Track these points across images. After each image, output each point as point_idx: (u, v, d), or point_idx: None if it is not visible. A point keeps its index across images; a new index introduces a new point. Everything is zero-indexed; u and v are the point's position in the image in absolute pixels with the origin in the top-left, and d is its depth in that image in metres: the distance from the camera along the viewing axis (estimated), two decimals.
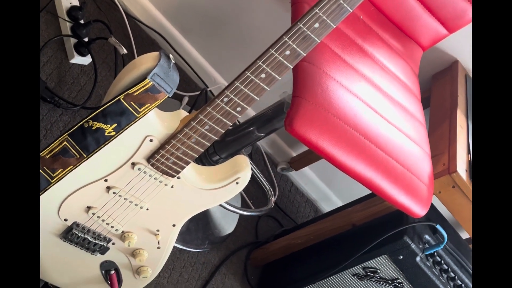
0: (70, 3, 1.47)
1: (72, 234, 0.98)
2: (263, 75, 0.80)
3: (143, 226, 1.00)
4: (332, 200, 2.01)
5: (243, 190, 1.00)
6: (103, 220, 0.97)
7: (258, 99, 0.83)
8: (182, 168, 0.90)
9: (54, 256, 1.03)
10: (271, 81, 0.81)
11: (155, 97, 0.82)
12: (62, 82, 1.40)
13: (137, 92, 0.82)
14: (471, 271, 1.40)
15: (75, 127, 0.84)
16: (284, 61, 0.79)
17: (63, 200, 0.93)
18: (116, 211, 0.96)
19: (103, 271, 1.06)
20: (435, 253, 1.36)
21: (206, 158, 1.42)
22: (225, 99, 0.82)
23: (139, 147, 0.88)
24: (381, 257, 1.37)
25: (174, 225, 1.01)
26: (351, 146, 1.06)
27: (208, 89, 1.75)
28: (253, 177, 1.68)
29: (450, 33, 1.48)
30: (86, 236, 0.99)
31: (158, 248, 1.04)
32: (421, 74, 1.56)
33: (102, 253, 1.03)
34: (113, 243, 1.02)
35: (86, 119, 0.84)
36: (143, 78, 0.81)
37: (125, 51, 1.37)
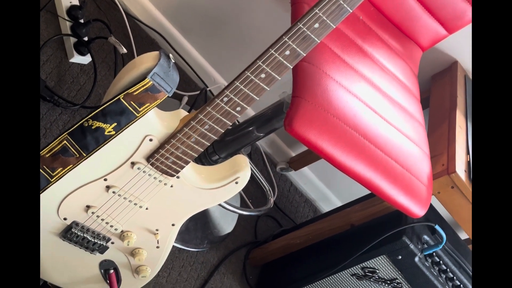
0: (70, 2, 1.47)
1: (71, 233, 0.98)
2: (263, 75, 0.80)
3: (142, 226, 1.00)
4: (331, 200, 2.00)
5: (243, 190, 1.00)
6: (102, 219, 0.97)
7: (258, 99, 0.83)
8: (182, 167, 0.90)
9: (54, 255, 1.03)
10: (270, 81, 0.81)
11: (155, 96, 0.82)
12: (61, 81, 1.40)
13: (137, 92, 0.82)
14: (469, 272, 1.40)
15: (75, 126, 0.84)
16: (284, 61, 0.79)
17: (62, 199, 0.93)
18: (115, 210, 0.96)
19: (102, 270, 1.06)
20: (434, 254, 1.36)
21: (205, 158, 1.42)
22: (225, 99, 0.82)
23: (138, 147, 0.88)
24: (380, 257, 1.37)
25: (173, 225, 1.01)
26: (351, 146, 1.06)
27: (208, 89, 1.75)
28: (252, 177, 1.68)
29: (449, 33, 1.48)
30: (85, 235, 0.99)
31: (157, 247, 1.04)
32: (421, 75, 1.56)
33: (101, 252, 1.03)
34: (112, 242, 1.02)
35: (85, 118, 0.84)
36: (143, 77, 0.81)
37: (124, 50, 1.37)
